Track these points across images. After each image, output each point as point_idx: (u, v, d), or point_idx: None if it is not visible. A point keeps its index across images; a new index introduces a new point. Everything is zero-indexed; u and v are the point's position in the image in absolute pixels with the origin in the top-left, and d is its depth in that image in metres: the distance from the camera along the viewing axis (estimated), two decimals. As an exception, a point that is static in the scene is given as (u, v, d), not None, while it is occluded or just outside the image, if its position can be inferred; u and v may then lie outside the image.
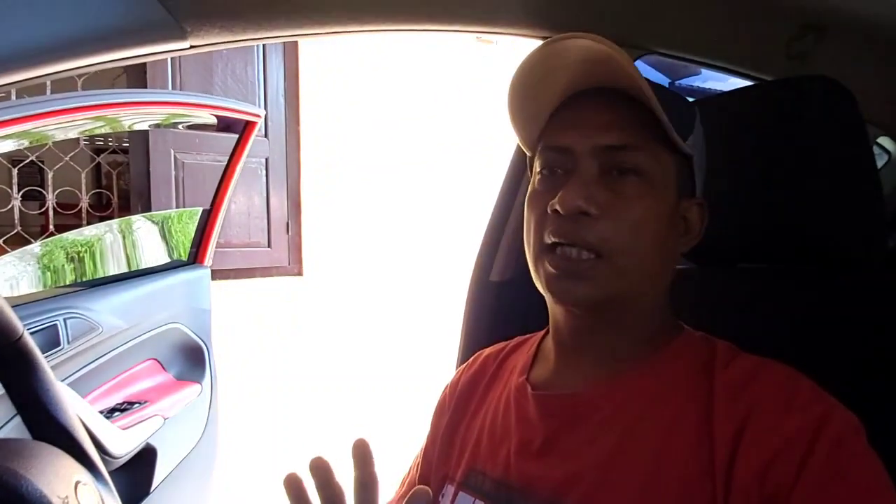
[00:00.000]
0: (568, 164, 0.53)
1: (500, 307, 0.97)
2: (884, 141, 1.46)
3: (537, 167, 0.56)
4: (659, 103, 0.49)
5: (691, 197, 0.56)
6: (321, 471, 0.49)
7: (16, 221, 2.24)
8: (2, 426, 1.10)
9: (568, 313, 0.56)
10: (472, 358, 0.72)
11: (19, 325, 0.60)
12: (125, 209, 2.51)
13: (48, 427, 0.60)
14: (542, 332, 0.65)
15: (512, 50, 3.22)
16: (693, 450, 0.46)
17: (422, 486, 0.49)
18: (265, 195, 2.70)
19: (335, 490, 0.49)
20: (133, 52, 0.64)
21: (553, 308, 0.58)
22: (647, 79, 0.53)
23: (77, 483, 0.52)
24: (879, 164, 1.56)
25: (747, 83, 1.04)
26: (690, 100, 0.60)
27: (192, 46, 0.67)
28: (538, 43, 0.93)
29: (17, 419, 1.11)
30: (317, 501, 0.50)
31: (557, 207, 0.50)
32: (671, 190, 0.53)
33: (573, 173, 0.52)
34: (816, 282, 0.63)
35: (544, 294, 0.54)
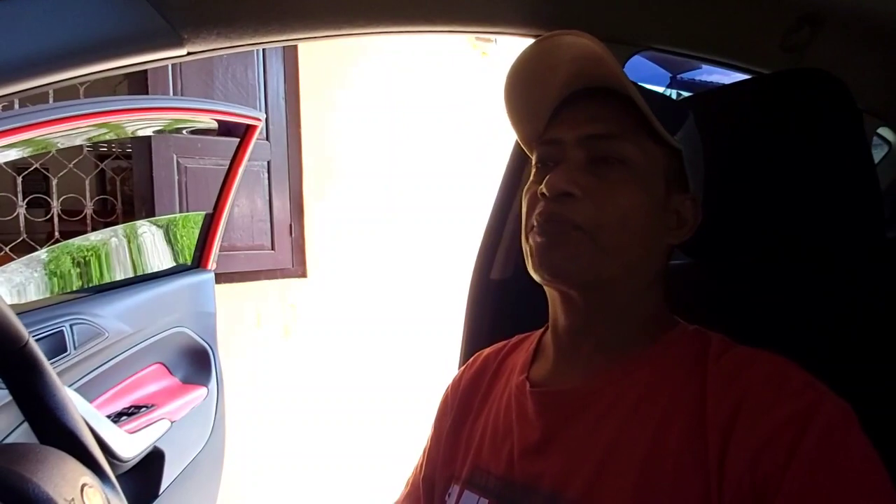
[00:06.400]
0: (558, 155, 0.55)
1: (501, 305, 0.97)
2: (884, 131, 1.46)
3: (533, 162, 0.59)
4: (646, 102, 0.52)
5: (684, 192, 0.57)
6: None
7: (21, 229, 2.25)
8: (11, 432, 1.11)
9: (562, 299, 0.57)
10: (473, 358, 0.72)
11: (24, 331, 0.61)
12: (129, 214, 2.52)
13: (54, 431, 0.61)
14: (542, 330, 0.66)
15: (513, 49, 3.21)
16: (687, 439, 0.47)
17: None
18: (268, 198, 2.70)
19: None
20: (131, 60, 0.65)
21: (550, 297, 0.59)
22: (641, 85, 0.56)
23: (83, 485, 0.52)
24: (880, 155, 1.55)
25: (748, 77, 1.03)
26: (687, 94, 0.61)
27: (189, 53, 0.67)
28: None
29: (26, 425, 1.12)
30: None
31: (544, 190, 0.53)
32: (658, 181, 0.55)
33: (562, 162, 0.54)
34: (813, 275, 0.63)
35: (534, 275, 0.55)
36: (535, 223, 0.54)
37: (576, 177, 0.52)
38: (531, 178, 0.58)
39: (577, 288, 0.55)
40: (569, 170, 0.53)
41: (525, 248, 0.57)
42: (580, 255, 0.52)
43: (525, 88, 0.58)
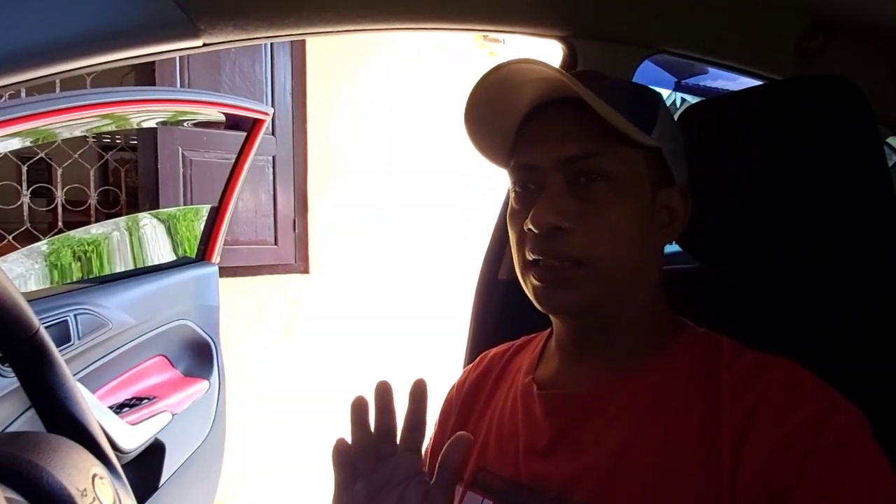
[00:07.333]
0: (538, 180, 0.54)
1: (508, 305, 0.97)
2: (893, 141, 1.46)
3: (511, 184, 0.58)
4: (619, 102, 0.50)
5: (671, 185, 0.56)
6: (385, 394, 0.52)
7: (25, 218, 2.25)
8: (15, 419, 1.11)
9: (563, 321, 0.58)
10: (479, 358, 0.72)
11: (35, 320, 0.61)
12: (133, 206, 2.51)
13: (63, 421, 0.61)
14: (548, 332, 0.66)
15: (520, 51, 3.21)
16: (699, 445, 0.47)
17: (463, 433, 0.52)
18: (272, 193, 2.70)
19: (391, 419, 0.52)
20: (146, 50, 0.65)
21: (552, 319, 0.59)
22: (606, 76, 0.56)
23: (94, 476, 0.52)
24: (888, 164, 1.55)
25: (757, 83, 1.03)
26: (698, 97, 0.60)
27: (205, 44, 0.67)
28: (546, 42, 0.93)
29: (30, 412, 1.12)
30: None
31: (531, 227, 0.51)
32: (643, 186, 0.53)
33: (543, 188, 0.53)
34: (825, 279, 0.63)
35: (536, 306, 0.55)
36: (529, 260, 0.53)
37: (560, 206, 0.51)
38: (512, 201, 0.57)
39: (581, 317, 0.55)
40: (552, 199, 0.51)
41: (522, 282, 0.56)
42: (580, 287, 0.52)
43: (489, 114, 0.56)
